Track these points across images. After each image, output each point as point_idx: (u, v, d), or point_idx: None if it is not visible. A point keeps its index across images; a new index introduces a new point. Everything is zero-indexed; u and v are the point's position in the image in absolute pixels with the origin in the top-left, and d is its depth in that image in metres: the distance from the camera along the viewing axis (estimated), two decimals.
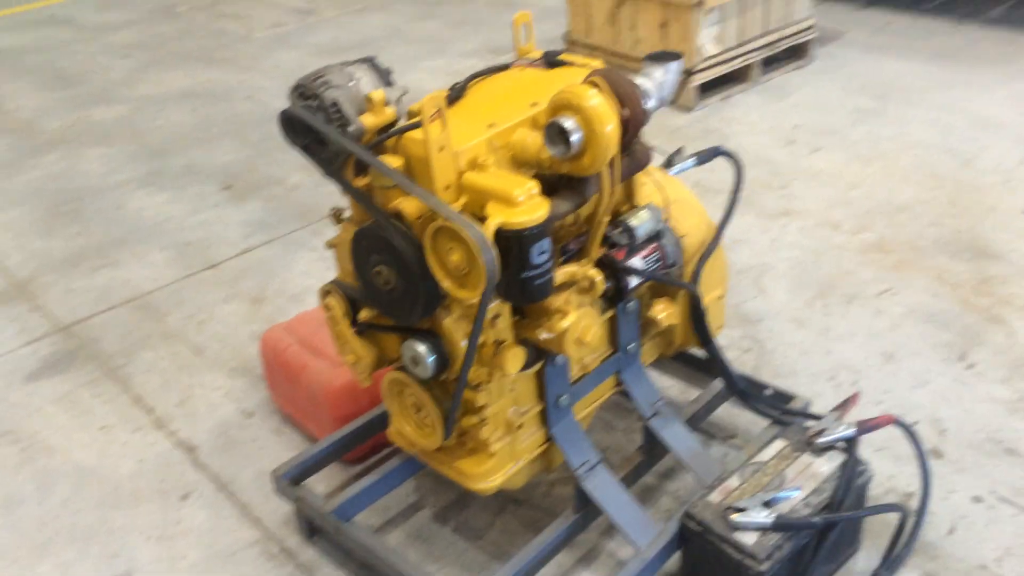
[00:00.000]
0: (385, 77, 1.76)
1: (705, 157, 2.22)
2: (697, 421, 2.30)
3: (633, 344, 2.07)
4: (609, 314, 1.99)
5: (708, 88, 4.38)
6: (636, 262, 1.93)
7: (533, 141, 1.66)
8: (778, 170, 3.77)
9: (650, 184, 2.08)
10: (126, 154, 4.38)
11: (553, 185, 1.75)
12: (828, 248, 3.23)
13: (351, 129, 1.66)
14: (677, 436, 2.09)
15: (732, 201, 2.14)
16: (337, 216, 1.84)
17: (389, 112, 1.69)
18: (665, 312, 2.05)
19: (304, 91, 1.70)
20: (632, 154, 1.85)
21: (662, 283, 2.00)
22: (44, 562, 2.24)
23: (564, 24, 4.79)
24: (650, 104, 1.70)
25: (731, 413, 2.46)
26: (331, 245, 1.90)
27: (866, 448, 2.31)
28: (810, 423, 2.09)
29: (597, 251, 1.80)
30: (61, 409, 2.74)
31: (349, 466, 2.41)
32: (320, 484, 2.35)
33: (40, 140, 4.63)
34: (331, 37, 5.75)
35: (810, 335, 2.81)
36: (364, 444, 2.33)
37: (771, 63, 4.60)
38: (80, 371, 2.90)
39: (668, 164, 2.18)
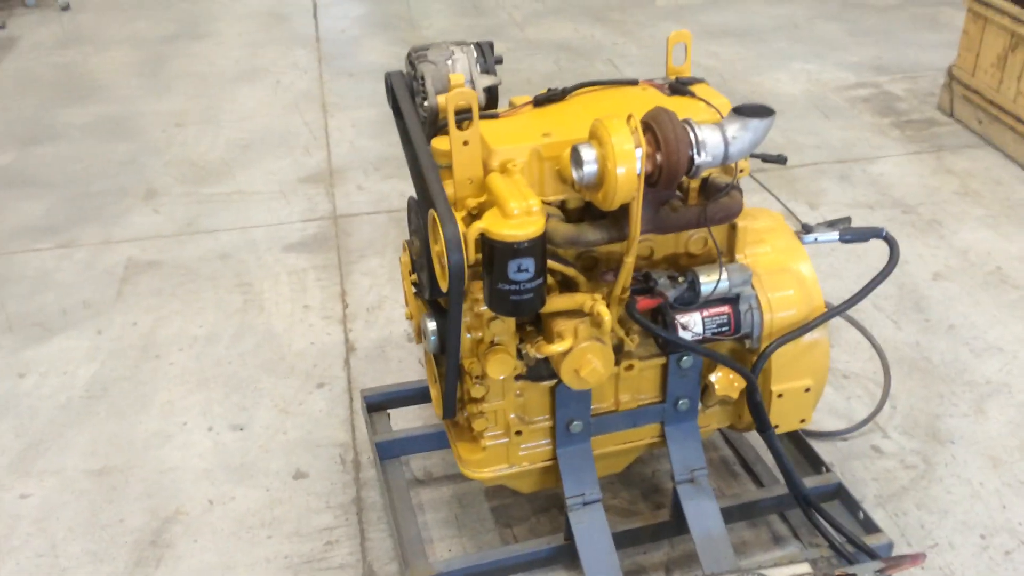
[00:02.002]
0: (487, 63, 1.81)
1: (856, 236, 1.96)
2: (759, 512, 2.09)
3: (685, 401, 1.93)
4: (659, 361, 1.89)
5: None
6: (693, 320, 1.80)
7: None
8: None
9: (769, 245, 1.90)
10: None
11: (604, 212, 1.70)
12: None
13: (427, 103, 1.76)
14: (701, 512, 1.93)
15: (860, 293, 1.88)
16: None
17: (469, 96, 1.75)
18: (721, 381, 1.87)
19: (410, 59, 1.82)
20: (715, 202, 1.72)
21: (686, 349, 1.82)
22: (200, 390, 2.72)
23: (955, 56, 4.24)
24: (702, 158, 1.55)
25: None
26: None
27: None
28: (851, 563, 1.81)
29: (620, 291, 1.71)
30: (288, 280, 3.23)
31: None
32: (419, 420, 2.53)
33: None
34: (723, 19, 5.65)
35: (997, 480, 2.34)
36: None
37: None
38: (320, 255, 3.37)
39: (807, 231, 1.95)
